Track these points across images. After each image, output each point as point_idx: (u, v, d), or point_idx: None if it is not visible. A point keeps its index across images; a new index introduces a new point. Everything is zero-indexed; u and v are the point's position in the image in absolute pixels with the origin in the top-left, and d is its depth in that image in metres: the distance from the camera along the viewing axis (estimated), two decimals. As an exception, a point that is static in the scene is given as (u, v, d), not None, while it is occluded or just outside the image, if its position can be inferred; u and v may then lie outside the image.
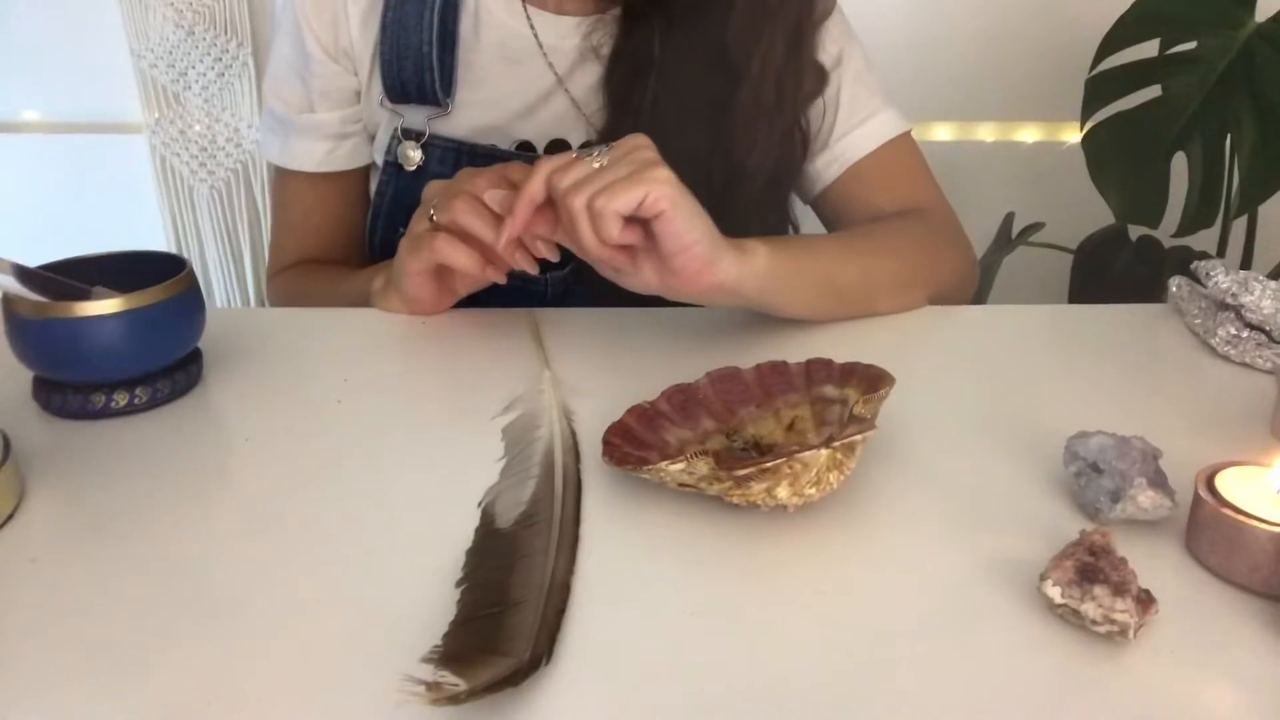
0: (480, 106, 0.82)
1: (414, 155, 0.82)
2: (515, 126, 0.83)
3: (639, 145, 0.61)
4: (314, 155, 0.86)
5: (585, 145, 0.82)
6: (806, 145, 0.84)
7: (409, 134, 0.82)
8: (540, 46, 0.82)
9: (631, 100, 0.80)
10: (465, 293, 0.73)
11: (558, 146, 0.83)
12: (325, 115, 0.85)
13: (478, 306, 0.74)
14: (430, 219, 0.68)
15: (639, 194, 0.57)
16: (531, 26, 0.81)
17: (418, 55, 0.80)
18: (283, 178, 0.89)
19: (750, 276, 0.63)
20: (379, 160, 0.85)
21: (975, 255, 0.88)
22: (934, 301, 0.79)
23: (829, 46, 0.84)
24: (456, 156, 0.81)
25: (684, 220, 0.59)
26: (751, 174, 0.80)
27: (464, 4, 0.81)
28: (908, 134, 0.87)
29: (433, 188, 0.70)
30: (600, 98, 0.82)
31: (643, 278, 0.62)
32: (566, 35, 0.82)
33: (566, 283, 0.66)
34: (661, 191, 0.58)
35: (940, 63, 1.59)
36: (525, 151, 0.82)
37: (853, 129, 0.84)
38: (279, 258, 0.92)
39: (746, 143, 0.79)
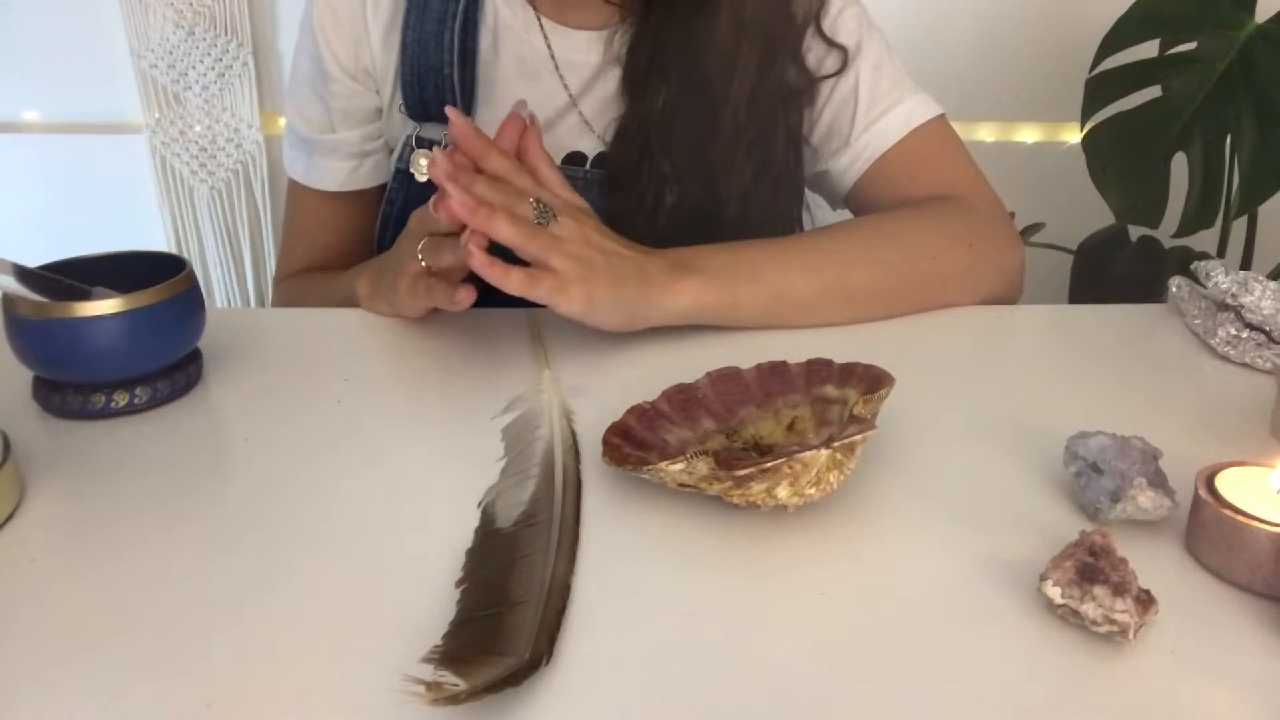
0: (498, 122, 0.82)
1: (425, 165, 0.81)
2: None
3: (585, 237, 0.64)
4: (337, 175, 0.86)
5: (599, 156, 0.83)
6: (777, 63, 0.80)
7: (423, 142, 0.82)
8: (554, 61, 0.81)
9: (642, 104, 0.80)
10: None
11: (574, 159, 0.83)
12: (346, 134, 0.84)
13: (479, 307, 0.74)
14: (420, 259, 0.67)
15: (547, 300, 0.61)
16: (547, 42, 0.81)
17: (438, 76, 0.79)
18: (299, 189, 0.89)
19: (678, 318, 0.68)
20: (391, 167, 0.85)
21: (1019, 247, 0.82)
22: (979, 300, 0.77)
23: (843, 39, 0.83)
24: None
25: (595, 320, 0.64)
26: (734, 104, 0.78)
27: (483, 20, 0.81)
28: (938, 119, 0.83)
29: (415, 218, 0.69)
30: (611, 111, 0.82)
31: None
32: (581, 50, 0.82)
33: None
34: (570, 308, 0.62)
35: (940, 63, 1.58)
36: None
37: (873, 123, 0.82)
38: (286, 264, 0.92)
39: (725, 72, 0.77)
